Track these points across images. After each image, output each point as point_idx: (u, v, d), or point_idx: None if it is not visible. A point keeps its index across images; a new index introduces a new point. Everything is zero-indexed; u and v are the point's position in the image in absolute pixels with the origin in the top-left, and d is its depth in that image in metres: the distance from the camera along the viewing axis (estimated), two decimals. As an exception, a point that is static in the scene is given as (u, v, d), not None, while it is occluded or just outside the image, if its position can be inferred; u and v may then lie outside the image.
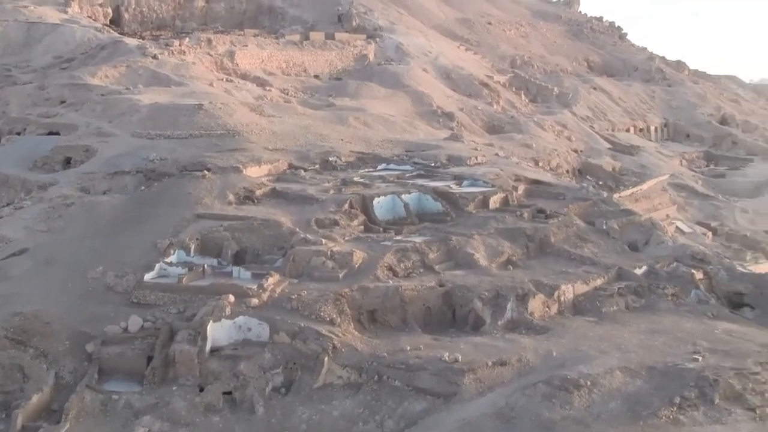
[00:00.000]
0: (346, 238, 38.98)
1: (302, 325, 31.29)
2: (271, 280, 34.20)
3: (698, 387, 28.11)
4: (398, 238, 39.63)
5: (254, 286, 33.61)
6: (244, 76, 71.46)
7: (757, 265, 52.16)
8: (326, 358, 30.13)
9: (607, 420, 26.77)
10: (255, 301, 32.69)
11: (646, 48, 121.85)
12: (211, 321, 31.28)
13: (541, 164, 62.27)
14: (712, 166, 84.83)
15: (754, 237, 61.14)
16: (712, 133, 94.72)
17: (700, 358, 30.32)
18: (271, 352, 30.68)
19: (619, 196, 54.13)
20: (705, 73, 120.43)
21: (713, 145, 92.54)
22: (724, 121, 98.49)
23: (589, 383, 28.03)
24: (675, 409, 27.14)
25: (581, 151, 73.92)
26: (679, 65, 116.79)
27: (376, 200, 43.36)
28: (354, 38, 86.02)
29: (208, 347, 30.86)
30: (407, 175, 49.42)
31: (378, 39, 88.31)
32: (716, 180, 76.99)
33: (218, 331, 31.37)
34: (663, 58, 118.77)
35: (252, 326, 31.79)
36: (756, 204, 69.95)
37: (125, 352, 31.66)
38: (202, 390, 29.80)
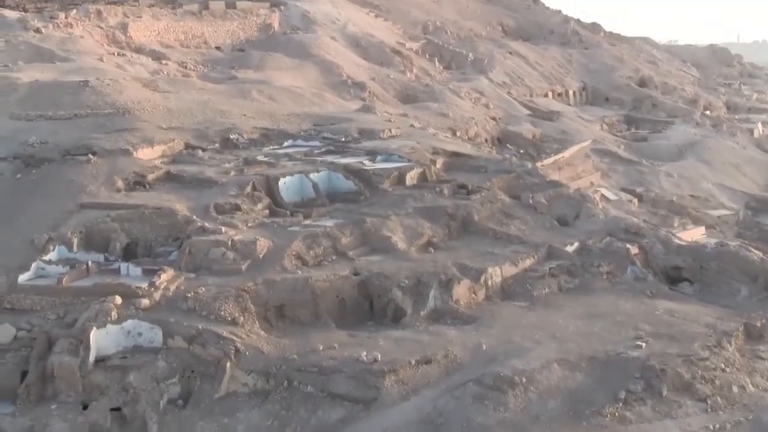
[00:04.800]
0: (249, 225, 35.96)
1: (200, 327, 28.41)
2: (164, 277, 31.10)
3: (644, 378, 26.43)
4: (307, 222, 36.83)
5: (145, 285, 30.42)
6: (139, 50, 67.24)
7: (685, 231, 51.00)
8: (228, 364, 27.37)
9: (546, 422, 24.84)
10: (145, 301, 29.59)
11: (560, 10, 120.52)
12: (94, 327, 28.11)
13: (459, 134, 59.98)
14: (633, 130, 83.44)
15: (680, 202, 59.78)
16: (632, 95, 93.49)
17: (644, 344, 28.53)
18: (165, 360, 27.79)
19: (542, 165, 52.32)
20: (620, 35, 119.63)
21: (633, 108, 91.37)
22: (642, 84, 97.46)
23: (524, 380, 25.95)
24: (620, 405, 25.38)
25: (500, 119, 71.69)
26: (595, 27, 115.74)
27: (281, 181, 40.54)
28: (257, 6, 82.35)
29: (92, 358, 27.76)
30: (316, 151, 46.74)
31: (282, 7, 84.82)
32: (639, 144, 75.41)
33: (103, 339, 28.25)
34: (578, 20, 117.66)
35: (142, 331, 28.74)
36: (680, 167, 68.72)
37: (-6, 368, 28.13)
38: (86, 407, 26.87)
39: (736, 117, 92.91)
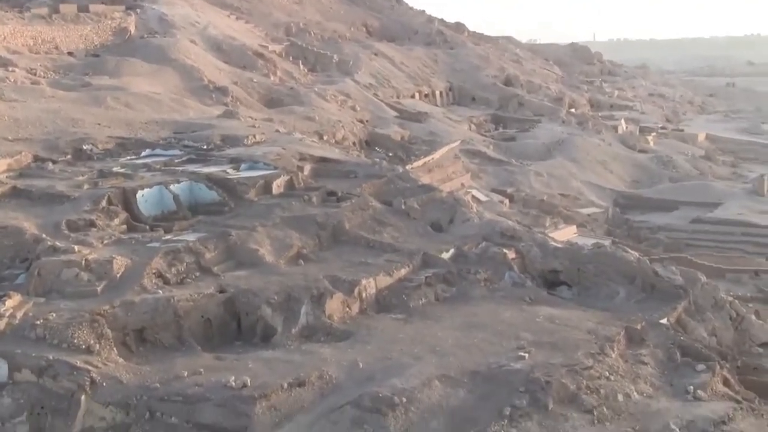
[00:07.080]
0: (105, 242, 33.17)
1: (51, 357, 25.73)
2: (10, 303, 28.14)
3: (529, 392, 24.89)
4: (168, 236, 34.38)
5: (-12, 313, 27.42)
6: (-18, 57, 63.60)
7: (557, 231, 50.79)
8: (83, 397, 24.81)
9: (429, 444, 23.13)
10: (-11, 332, 26.61)
11: (424, 11, 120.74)
12: (-71, 365, 25.16)
13: (326, 138, 58.63)
14: (501, 129, 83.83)
15: (550, 201, 60.01)
16: (498, 94, 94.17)
17: (527, 355, 27.10)
18: (11, 396, 25.11)
19: (412, 167, 51.35)
20: (483, 34, 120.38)
21: (500, 107, 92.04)
22: (508, 82, 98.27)
23: (404, 400, 24.14)
24: (505, 422, 23.79)
25: (367, 121, 70.74)
26: (459, 27, 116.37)
27: (140, 193, 37.94)
28: (111, 10, 79.37)
29: (-74, 399, 24.74)
30: (176, 161, 44.29)
31: (139, 10, 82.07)
32: (507, 143, 75.75)
33: (-60, 377, 25.27)
34: (442, 20, 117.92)
35: (-15, 365, 25.85)
36: (549, 166, 69.17)
37: None
38: None
39: (600, 114, 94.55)
